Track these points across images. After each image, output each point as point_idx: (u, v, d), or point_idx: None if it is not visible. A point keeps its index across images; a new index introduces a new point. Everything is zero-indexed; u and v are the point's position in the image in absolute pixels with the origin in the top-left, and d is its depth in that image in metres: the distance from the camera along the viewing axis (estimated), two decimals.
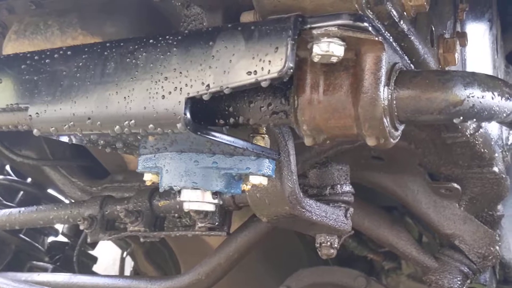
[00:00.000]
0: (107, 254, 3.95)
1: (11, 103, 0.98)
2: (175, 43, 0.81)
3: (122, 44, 0.88)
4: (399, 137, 0.85)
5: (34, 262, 2.64)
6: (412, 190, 1.55)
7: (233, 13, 0.97)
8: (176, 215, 1.68)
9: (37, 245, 2.87)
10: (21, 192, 2.85)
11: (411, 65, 0.94)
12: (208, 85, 0.77)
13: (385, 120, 0.79)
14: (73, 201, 2.24)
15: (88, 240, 1.73)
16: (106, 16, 1.47)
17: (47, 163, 2.12)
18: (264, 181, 1.04)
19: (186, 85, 0.79)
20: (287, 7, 0.74)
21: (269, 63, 0.73)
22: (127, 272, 3.25)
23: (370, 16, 0.75)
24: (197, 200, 1.06)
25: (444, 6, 1.09)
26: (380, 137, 0.80)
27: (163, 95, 0.81)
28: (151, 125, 0.82)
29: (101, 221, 1.72)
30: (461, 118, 0.82)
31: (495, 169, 1.44)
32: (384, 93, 0.78)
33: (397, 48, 0.86)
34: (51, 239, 3.12)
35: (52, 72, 0.94)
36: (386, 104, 0.78)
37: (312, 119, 0.83)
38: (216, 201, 1.07)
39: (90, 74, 0.89)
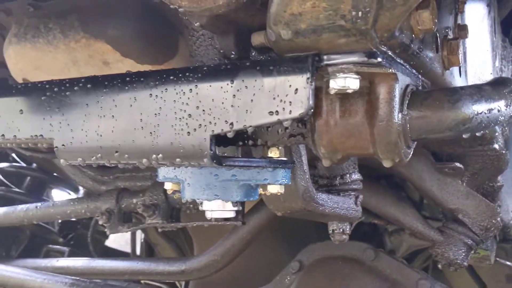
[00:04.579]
0: None
1: (36, 135, 1.01)
2: (195, 80, 0.84)
3: (142, 79, 0.90)
4: (411, 153, 0.90)
5: (50, 245, 2.72)
6: (416, 169, 1.62)
7: (244, 34, 0.99)
8: (191, 205, 1.74)
9: (49, 227, 2.94)
10: (28, 178, 2.91)
11: (419, 76, 0.98)
12: (231, 124, 0.81)
13: (399, 143, 0.84)
14: (81, 189, 2.30)
15: (108, 233, 1.80)
16: (108, 18, 1.47)
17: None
18: (281, 189, 1.09)
19: (210, 122, 0.83)
20: (303, 47, 0.77)
21: (289, 104, 0.76)
22: (138, 243, 3.35)
23: (383, 50, 0.78)
24: (219, 209, 1.12)
25: (446, 6, 1.12)
26: (396, 158, 0.85)
27: (189, 132, 0.84)
28: (178, 159, 0.87)
29: (118, 215, 1.78)
30: (470, 133, 0.87)
31: (496, 146, 1.50)
32: (398, 119, 0.82)
33: (407, 67, 0.90)
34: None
35: (74, 104, 0.97)
36: (400, 129, 0.83)
37: (329, 142, 0.88)
38: (236, 208, 1.13)
39: (113, 108, 0.92)
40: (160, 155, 0.88)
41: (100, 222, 1.77)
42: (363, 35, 0.71)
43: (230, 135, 0.82)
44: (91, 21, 1.49)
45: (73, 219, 3.12)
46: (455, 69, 1.20)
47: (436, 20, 0.85)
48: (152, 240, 3.14)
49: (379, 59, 0.76)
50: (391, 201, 1.72)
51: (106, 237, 3.25)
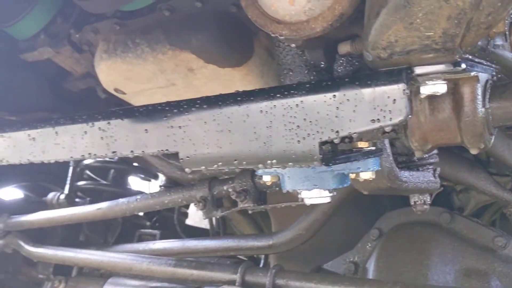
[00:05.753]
0: None
1: (162, 149, 1.19)
2: (300, 97, 0.99)
3: (252, 98, 1.06)
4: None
5: (142, 230, 2.97)
6: None
7: (330, 45, 1.12)
8: (277, 188, 1.91)
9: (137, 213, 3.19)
10: (112, 170, 3.16)
11: (493, 65, 1.09)
12: (337, 132, 0.95)
13: (484, 133, 0.96)
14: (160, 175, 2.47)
15: (203, 217, 2.00)
16: (191, 30, 1.62)
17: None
18: (373, 175, 1.23)
19: (317, 132, 0.97)
20: (396, 63, 0.90)
21: (389, 112, 0.90)
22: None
23: (466, 57, 0.89)
24: (316, 196, 1.28)
25: None
26: (481, 146, 0.98)
27: (299, 140, 1.00)
28: (290, 163, 1.02)
29: (211, 201, 1.98)
30: None
31: None
32: (482, 113, 0.95)
33: (484, 63, 1.01)
34: None
35: (194, 121, 1.13)
36: (484, 121, 0.95)
37: (421, 137, 1.01)
38: (331, 194, 1.29)
39: (229, 124, 1.08)
40: (274, 160, 1.03)
41: (198, 209, 1.97)
42: (450, 52, 0.84)
43: (336, 141, 0.97)
44: (176, 34, 1.64)
45: None
46: None
47: (507, 21, 0.95)
48: (228, 215, 3.32)
49: (464, 66, 0.89)
50: (463, 168, 1.83)
51: (186, 216, 3.47)
